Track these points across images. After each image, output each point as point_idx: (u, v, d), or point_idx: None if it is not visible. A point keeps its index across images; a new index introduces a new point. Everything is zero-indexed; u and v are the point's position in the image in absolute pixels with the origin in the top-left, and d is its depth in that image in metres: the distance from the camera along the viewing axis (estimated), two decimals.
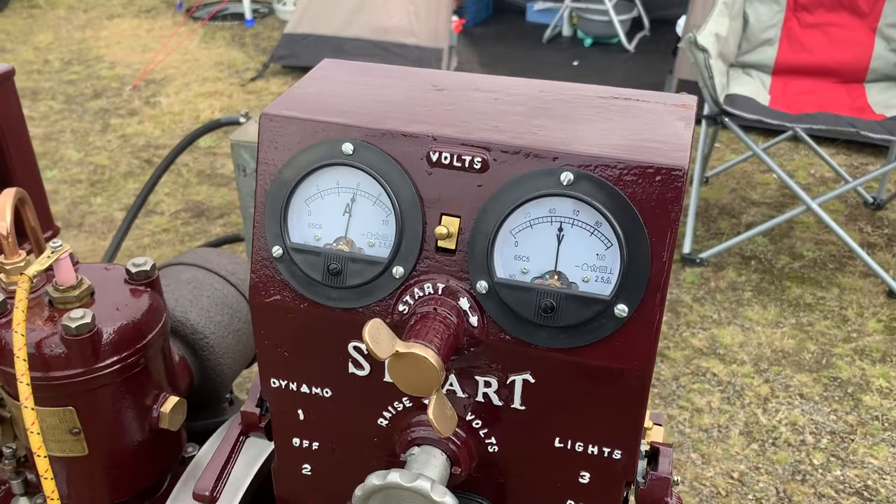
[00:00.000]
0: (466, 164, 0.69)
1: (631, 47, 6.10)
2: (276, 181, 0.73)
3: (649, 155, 0.66)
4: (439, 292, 0.71)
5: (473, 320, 0.70)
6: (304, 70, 5.74)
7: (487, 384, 0.73)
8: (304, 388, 0.80)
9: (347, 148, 0.71)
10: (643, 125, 0.71)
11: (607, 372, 0.69)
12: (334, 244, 0.74)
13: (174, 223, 3.86)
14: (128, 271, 0.99)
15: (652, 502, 0.76)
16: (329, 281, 0.73)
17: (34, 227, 1.02)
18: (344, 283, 0.73)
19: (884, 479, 2.48)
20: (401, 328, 0.71)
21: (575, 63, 5.88)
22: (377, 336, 0.65)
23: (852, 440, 2.62)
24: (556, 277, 0.68)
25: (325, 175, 0.73)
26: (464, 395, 0.75)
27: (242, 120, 2.12)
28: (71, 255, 0.96)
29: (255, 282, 0.76)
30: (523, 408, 0.73)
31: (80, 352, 0.90)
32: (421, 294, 0.71)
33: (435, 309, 0.70)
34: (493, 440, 0.76)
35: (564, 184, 0.66)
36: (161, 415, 0.99)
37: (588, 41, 6.22)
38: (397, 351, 0.65)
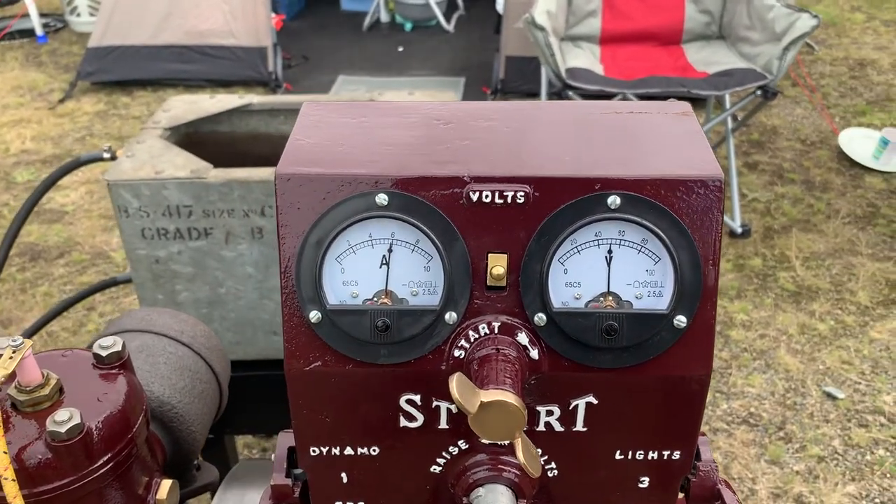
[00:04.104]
0: (508, 200, 0.68)
1: (450, 28, 6.21)
2: (304, 244, 0.69)
3: (687, 169, 0.68)
4: (496, 331, 0.70)
5: (534, 353, 0.70)
6: (118, 85, 5.40)
7: (549, 413, 0.73)
8: (349, 451, 0.76)
9: (382, 199, 0.68)
10: (664, 139, 0.73)
11: (670, 382, 0.71)
12: (374, 299, 0.70)
13: (9, 271, 3.50)
14: (96, 356, 0.89)
15: (705, 490, 0.80)
16: (377, 338, 0.70)
17: None
18: (394, 338, 0.70)
19: (763, 403, 2.74)
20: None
21: (400, 49, 5.91)
22: (464, 392, 0.63)
23: (730, 374, 2.86)
24: (610, 299, 0.69)
25: (357, 229, 0.69)
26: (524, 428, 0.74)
27: (106, 155, 1.96)
28: None
29: (291, 351, 0.71)
30: (585, 429, 0.74)
31: (72, 457, 0.80)
32: (477, 336, 0.70)
33: (497, 349, 0.69)
34: (552, 465, 0.77)
35: (612, 208, 0.67)
36: (158, 502, 0.91)
37: (408, 25, 6.26)
38: (482, 401, 0.63)
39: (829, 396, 2.75)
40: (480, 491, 0.75)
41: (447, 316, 0.69)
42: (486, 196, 0.68)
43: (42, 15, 6.18)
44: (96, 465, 0.83)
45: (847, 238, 3.59)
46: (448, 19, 6.25)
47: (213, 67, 5.11)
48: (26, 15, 6.05)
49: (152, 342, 1.08)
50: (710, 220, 0.68)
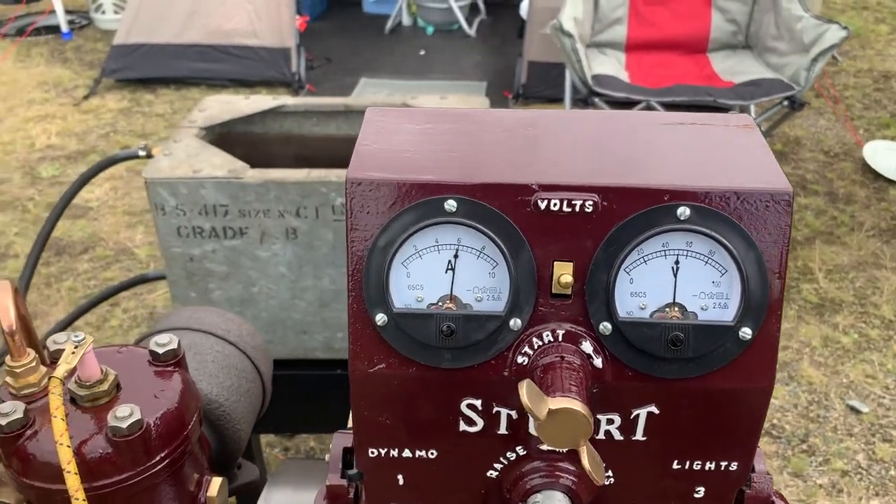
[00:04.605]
0: (577, 209, 0.69)
1: (472, 32, 6.22)
2: (373, 248, 0.70)
3: (757, 182, 0.68)
4: (560, 339, 0.70)
5: (598, 362, 0.70)
6: (141, 83, 5.43)
7: (610, 421, 0.74)
8: (407, 453, 0.77)
9: (451, 206, 0.69)
10: (731, 152, 0.74)
11: (733, 393, 0.71)
12: (439, 304, 0.71)
13: None
14: (153, 353, 0.90)
15: (759, 502, 0.80)
16: (442, 342, 0.70)
17: (25, 317, 0.90)
18: (459, 343, 0.70)
19: (786, 415, 2.73)
20: (520, 380, 0.70)
21: (422, 52, 5.92)
22: (533, 398, 0.63)
23: None
24: (675, 309, 0.70)
25: (424, 234, 0.70)
26: None
27: (142, 153, 1.98)
28: None
29: (355, 352, 0.72)
30: (644, 438, 0.74)
31: (131, 453, 0.81)
32: (540, 343, 0.70)
33: (561, 357, 0.69)
34: (609, 473, 0.77)
35: (682, 219, 0.68)
36: (208, 500, 0.92)
37: (430, 29, 6.28)
38: (550, 409, 0.64)
39: (853, 410, 2.74)
40: (538, 497, 0.76)
41: (512, 322, 0.70)
42: (555, 204, 0.69)
43: (67, 12, 6.23)
44: (153, 462, 0.84)
45: (871, 251, 3.57)
46: (470, 23, 6.26)
47: (237, 67, 5.14)
48: (52, 12, 6.10)
49: (200, 340, 1.09)
50: (778, 234, 0.68)
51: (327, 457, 0.84)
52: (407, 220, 0.69)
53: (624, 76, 3.59)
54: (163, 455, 0.84)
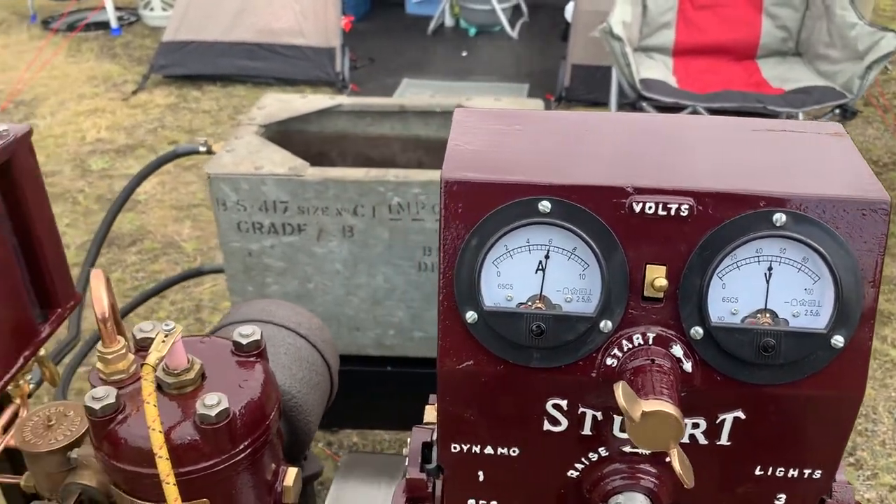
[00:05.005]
0: (672, 213, 0.69)
1: (514, 34, 6.22)
2: (465, 246, 0.71)
3: (853, 191, 0.68)
4: (650, 342, 0.71)
5: (687, 366, 0.71)
6: (189, 79, 5.49)
7: (696, 426, 0.74)
8: (489, 450, 0.78)
9: (545, 206, 0.70)
10: (825, 159, 0.74)
11: (822, 401, 0.71)
12: (528, 303, 0.72)
13: (82, 256, 3.59)
14: (236, 343, 0.92)
15: None
16: (532, 342, 0.71)
17: (114, 305, 0.93)
18: (548, 343, 0.71)
19: None
20: (608, 381, 0.70)
21: (464, 53, 5.94)
22: (629, 399, 0.64)
23: None
24: (767, 315, 0.70)
25: (516, 234, 0.71)
26: None
27: (202, 148, 2.01)
28: None
29: (444, 349, 0.73)
30: (729, 443, 0.75)
31: (217, 441, 0.83)
32: (630, 346, 0.71)
33: (652, 360, 0.70)
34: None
35: (777, 225, 0.68)
36: (285, 489, 0.94)
37: (472, 31, 6.28)
38: (643, 411, 0.64)
39: None
40: (619, 498, 0.76)
41: (602, 324, 0.71)
42: (650, 207, 0.69)
43: (117, 9, 6.35)
44: (237, 450, 0.86)
45: None
46: (512, 25, 6.26)
47: (283, 66, 5.20)
48: (102, 8, 6.23)
49: (272, 332, 1.12)
50: (874, 242, 0.68)
51: (405, 451, 0.86)
52: (500, 220, 0.70)
53: (672, 81, 3.57)
54: (246, 444, 0.86)
